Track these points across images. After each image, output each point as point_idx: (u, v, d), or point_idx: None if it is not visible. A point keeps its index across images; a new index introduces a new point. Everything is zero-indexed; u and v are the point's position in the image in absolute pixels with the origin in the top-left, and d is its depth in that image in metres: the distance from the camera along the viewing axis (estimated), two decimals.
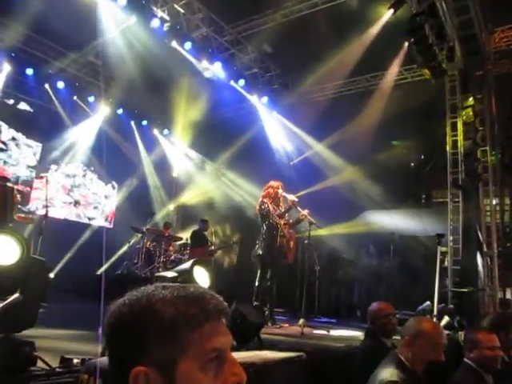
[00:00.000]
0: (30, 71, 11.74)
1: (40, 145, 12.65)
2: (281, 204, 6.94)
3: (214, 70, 11.74)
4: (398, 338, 2.95)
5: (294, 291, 9.28)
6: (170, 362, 0.91)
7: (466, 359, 3.15)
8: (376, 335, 3.66)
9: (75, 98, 12.94)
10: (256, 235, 7.01)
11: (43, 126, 12.26)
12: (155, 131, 14.78)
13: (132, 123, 14.18)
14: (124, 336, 0.94)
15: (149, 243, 11.25)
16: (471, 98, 9.03)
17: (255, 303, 6.36)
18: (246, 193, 13.10)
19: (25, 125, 12.23)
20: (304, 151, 12.90)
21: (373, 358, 3.13)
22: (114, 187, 14.52)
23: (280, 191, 6.87)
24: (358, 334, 5.89)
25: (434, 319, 6.84)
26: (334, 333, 6.54)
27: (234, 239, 10.59)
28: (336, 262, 12.21)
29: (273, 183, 6.96)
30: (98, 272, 12.28)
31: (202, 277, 3.07)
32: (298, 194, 7.63)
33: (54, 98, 12.50)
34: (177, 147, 14.84)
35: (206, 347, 0.93)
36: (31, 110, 12.24)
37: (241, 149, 12.66)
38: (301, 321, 6.01)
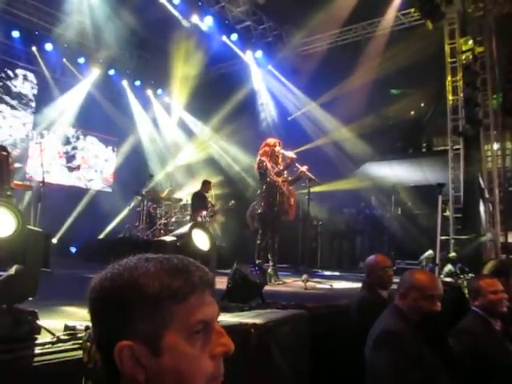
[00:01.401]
0: (16, 34, 11.44)
1: (31, 113, 12.51)
2: (279, 161, 6.91)
3: (207, 24, 11.44)
4: (395, 287, 3.00)
5: (296, 247, 9.39)
6: (156, 335, 0.91)
7: (472, 307, 3.22)
8: (372, 287, 3.72)
9: (64, 60, 12.67)
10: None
11: (34, 92, 12.08)
12: (148, 92, 14.56)
13: (125, 84, 13.94)
14: (107, 311, 0.93)
15: (149, 205, 11.33)
16: (471, 41, 8.79)
17: (257, 261, 6.45)
18: (238, 161, 13.18)
19: (15, 94, 12.06)
20: (301, 107, 12.76)
21: (369, 310, 3.20)
22: (114, 150, 14.48)
23: (277, 148, 6.80)
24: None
25: (436, 267, 6.95)
26: (337, 286, 6.65)
27: (232, 201, 10.61)
28: (337, 216, 12.31)
29: (270, 140, 6.89)
30: (101, 236, 12.49)
31: (202, 240, 3.08)
32: (297, 151, 7.58)
33: (41, 61, 12.24)
34: (171, 108, 14.68)
35: (191, 319, 0.92)
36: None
37: (238, 105, 12.53)
38: (303, 276, 6.09)
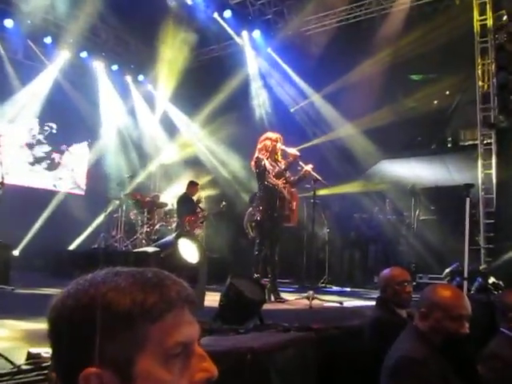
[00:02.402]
0: None
1: None
2: (279, 159, 6.93)
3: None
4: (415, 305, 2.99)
5: (299, 258, 9.39)
6: (127, 360, 0.89)
7: (501, 328, 3.21)
8: (388, 305, 3.71)
9: (28, 40, 12.56)
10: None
11: None
12: (128, 78, 14.54)
13: (99, 68, 13.85)
14: (70, 333, 0.91)
15: (129, 211, 11.32)
16: (505, 17, 8.78)
17: (255, 275, 6.46)
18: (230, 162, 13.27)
19: None
20: (305, 97, 12.80)
21: (384, 332, 3.18)
22: (88, 146, 14.42)
23: (279, 145, 6.84)
24: None
25: (465, 282, 6.95)
26: (348, 304, 6.66)
27: (223, 203, 10.66)
28: (347, 222, 12.33)
29: (270, 134, 6.92)
30: (71, 247, 12.47)
31: (190, 251, 3.08)
32: (300, 147, 7.60)
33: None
34: (154, 98, 14.68)
35: (168, 341, 0.91)
36: None
37: (231, 95, 12.55)
38: (309, 292, 6.09)
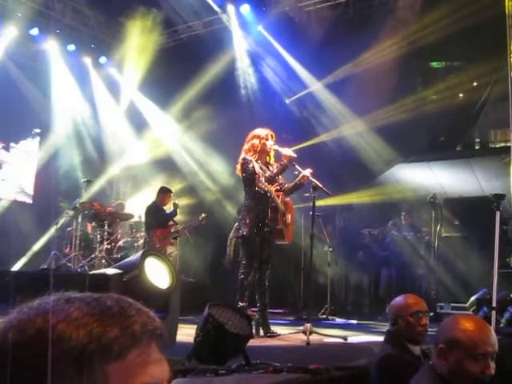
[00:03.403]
0: None
1: None
2: (271, 162, 6.96)
3: None
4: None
5: (295, 284, 9.42)
6: None
7: None
8: (400, 340, 3.74)
9: None
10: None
11: None
12: (86, 60, 14.50)
13: (53, 48, 13.78)
14: (12, 373, 0.90)
15: (86, 224, 11.29)
16: None
17: (240, 304, 6.46)
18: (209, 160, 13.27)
19: None
20: (304, 86, 12.83)
21: (394, 373, 3.21)
22: (36, 144, 14.33)
23: (270, 143, 6.86)
24: None
25: (493, 312, 6.98)
26: (354, 339, 6.67)
27: (203, 215, 10.67)
28: (354, 239, 12.36)
29: (259, 131, 6.93)
30: (15, 267, 12.38)
31: (159, 273, 3.10)
32: (297, 147, 7.65)
33: None
34: (119, 85, 14.65)
35: (132, 383, 0.93)
36: None
37: (212, 83, 12.57)
38: (306, 326, 6.09)
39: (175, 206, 10.54)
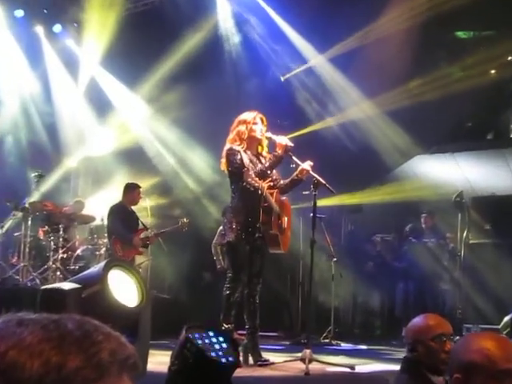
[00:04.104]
0: None
1: None
2: (263, 153, 6.97)
3: None
4: None
5: (292, 301, 9.41)
6: None
7: None
8: (419, 369, 3.73)
9: None
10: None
11: None
12: (38, 29, 14.44)
13: None
14: None
15: (37, 228, 11.23)
16: None
17: (224, 326, 6.46)
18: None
19: None
20: (303, 60, 12.80)
21: None
22: None
23: (259, 128, 6.86)
24: None
25: None
26: (363, 369, 6.68)
27: (185, 220, 10.65)
28: (364, 247, 12.39)
29: (246, 116, 6.92)
30: None
31: (126, 288, 3.08)
32: (295, 135, 7.65)
33: None
34: (78, 60, 14.59)
35: None
36: None
37: (191, 57, 12.54)
38: (305, 352, 6.09)
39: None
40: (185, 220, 10.71)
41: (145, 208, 10.97)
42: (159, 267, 11.88)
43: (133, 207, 10.69)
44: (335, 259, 10.71)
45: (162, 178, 13.43)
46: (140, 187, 10.68)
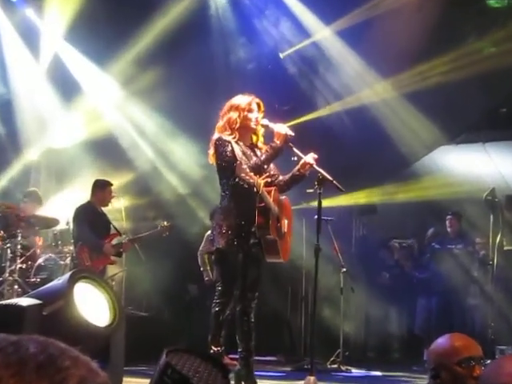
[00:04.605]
0: None
1: None
2: (259, 144, 6.98)
3: None
4: None
5: (293, 320, 9.41)
6: None
7: None
8: None
9: None
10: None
11: None
12: None
13: None
14: None
15: None
16: None
17: (213, 349, 6.46)
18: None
19: None
20: (305, 34, 12.79)
21: None
22: None
23: (254, 117, 6.85)
24: None
25: None
26: None
27: (165, 223, 10.66)
28: (378, 254, 12.40)
29: (239, 100, 6.91)
30: None
31: (95, 304, 3.08)
32: (296, 122, 7.65)
33: None
34: (41, 29, 14.59)
35: None
36: None
37: (174, 29, 12.53)
38: (309, 380, 6.10)
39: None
40: (165, 223, 10.70)
41: (118, 209, 10.93)
42: (135, 279, 11.88)
43: (104, 208, 10.68)
44: (344, 269, 10.73)
45: (139, 173, 13.40)
46: (112, 185, 10.66)
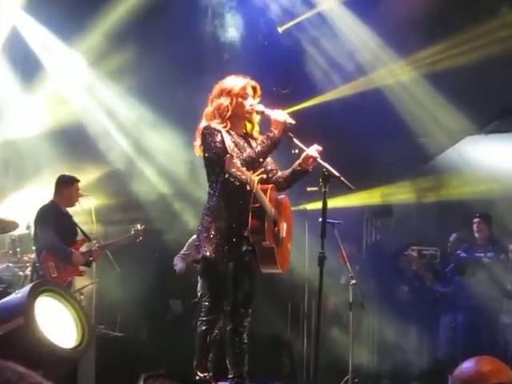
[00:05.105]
0: None
1: None
2: (254, 133, 6.99)
3: None
4: None
5: (293, 341, 9.45)
6: None
7: None
8: None
9: None
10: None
11: None
12: None
13: None
14: None
15: None
16: None
17: (198, 376, 6.49)
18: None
19: None
20: (308, 3, 12.79)
21: None
22: None
23: (249, 104, 6.87)
24: None
25: None
26: None
27: (139, 226, 10.66)
28: (394, 265, 12.41)
29: (231, 82, 6.88)
30: None
31: (60, 322, 3.10)
32: (296, 109, 7.67)
33: None
34: None
35: None
36: None
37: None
38: None
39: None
40: (139, 227, 10.70)
41: (87, 211, 10.91)
42: (108, 293, 11.89)
43: (70, 209, 10.66)
44: (354, 282, 10.71)
45: (112, 168, 13.40)
46: (79, 181, 10.64)
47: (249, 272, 6.86)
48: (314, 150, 6.72)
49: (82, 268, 10.46)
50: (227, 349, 6.82)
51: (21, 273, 10.80)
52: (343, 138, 10.04)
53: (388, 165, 11.58)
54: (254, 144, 6.87)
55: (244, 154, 6.68)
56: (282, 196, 7.10)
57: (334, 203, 7.13)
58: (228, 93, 6.80)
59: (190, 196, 11.94)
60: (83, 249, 10.46)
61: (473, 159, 13.03)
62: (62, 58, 14.11)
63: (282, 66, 12.03)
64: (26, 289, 2.77)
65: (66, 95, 14.15)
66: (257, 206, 6.65)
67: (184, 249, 10.45)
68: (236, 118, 6.82)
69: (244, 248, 6.72)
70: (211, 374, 6.69)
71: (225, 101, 6.79)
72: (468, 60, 11.25)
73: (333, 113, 11.42)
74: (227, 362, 6.81)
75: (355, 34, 12.31)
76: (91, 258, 10.52)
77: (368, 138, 11.56)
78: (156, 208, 12.79)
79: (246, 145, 6.85)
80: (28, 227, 11.18)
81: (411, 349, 12.17)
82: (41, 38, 14.22)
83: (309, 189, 7.72)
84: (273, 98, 7.23)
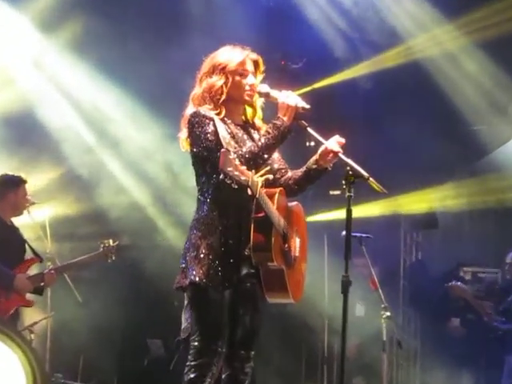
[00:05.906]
0: None
1: None
2: (256, 122, 7.01)
3: None
4: None
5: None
6: None
7: None
8: None
9: None
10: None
11: None
12: None
13: None
14: None
15: None
16: None
17: None
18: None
19: None
20: None
21: None
22: None
23: (249, 81, 6.85)
24: None
25: None
26: None
27: (110, 242, 10.67)
28: (442, 291, 12.44)
29: (228, 57, 6.81)
30: None
31: (2, 369, 3.14)
32: (311, 89, 7.69)
33: None
34: None
35: None
36: None
37: None
38: None
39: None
40: (110, 243, 10.69)
41: (39, 222, 10.91)
42: (68, 331, 11.91)
43: (15, 220, 10.66)
44: (388, 314, 10.73)
45: (71, 167, 13.42)
46: (26, 182, 10.64)
47: (250, 302, 6.84)
48: (334, 143, 6.65)
49: (29, 297, 10.40)
50: None
51: None
52: (371, 128, 10.04)
53: (432, 161, 11.60)
54: (256, 135, 6.85)
55: (243, 149, 6.61)
56: (294, 203, 7.05)
57: (361, 211, 7.13)
58: (222, 69, 6.74)
59: (172, 204, 11.97)
60: (32, 271, 10.42)
61: None
62: (5, 23, 14.13)
63: (292, 34, 12.02)
64: None
65: (11, 72, 14.18)
66: (261, 215, 6.58)
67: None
68: (233, 102, 6.80)
69: (244, 271, 6.68)
70: None
71: (218, 80, 6.72)
72: None
73: (359, 94, 11.41)
74: None
75: None
76: (43, 284, 10.37)
77: (403, 127, 11.53)
78: (128, 218, 12.79)
79: (245, 136, 6.82)
80: None
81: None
82: None
83: (331, 192, 7.68)
84: (281, 75, 7.23)
